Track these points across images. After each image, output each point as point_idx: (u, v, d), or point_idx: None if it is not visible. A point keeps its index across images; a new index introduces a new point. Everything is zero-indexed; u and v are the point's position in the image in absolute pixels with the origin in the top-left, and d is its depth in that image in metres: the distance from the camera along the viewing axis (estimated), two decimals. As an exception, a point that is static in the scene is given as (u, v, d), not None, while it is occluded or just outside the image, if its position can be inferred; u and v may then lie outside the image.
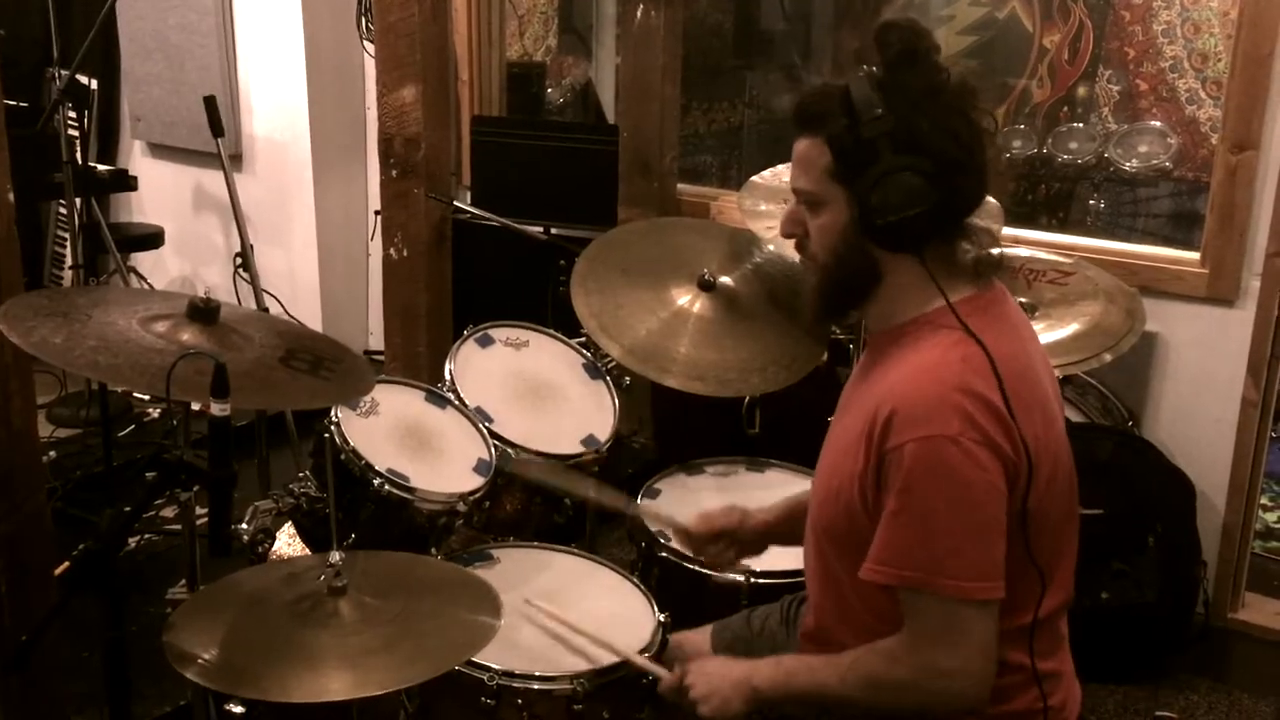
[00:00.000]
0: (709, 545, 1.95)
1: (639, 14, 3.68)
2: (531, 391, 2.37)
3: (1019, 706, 1.54)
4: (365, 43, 4.05)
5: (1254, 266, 2.88)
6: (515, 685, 1.74)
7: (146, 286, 4.43)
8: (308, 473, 2.13)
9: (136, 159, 4.74)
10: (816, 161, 1.51)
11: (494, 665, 1.73)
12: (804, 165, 1.53)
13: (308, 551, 2.20)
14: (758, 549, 1.99)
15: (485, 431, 2.20)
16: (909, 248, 1.50)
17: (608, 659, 1.80)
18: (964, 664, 1.45)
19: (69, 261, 4.18)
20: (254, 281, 3.61)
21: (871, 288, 1.54)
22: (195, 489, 1.59)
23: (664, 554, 2.12)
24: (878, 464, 1.46)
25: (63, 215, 4.46)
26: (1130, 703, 2.76)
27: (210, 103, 3.54)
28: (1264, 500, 3.68)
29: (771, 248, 2.46)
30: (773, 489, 2.39)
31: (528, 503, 2.28)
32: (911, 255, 1.50)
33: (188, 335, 1.66)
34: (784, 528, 1.92)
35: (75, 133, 3.80)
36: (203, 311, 1.70)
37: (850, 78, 1.46)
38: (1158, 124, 4.49)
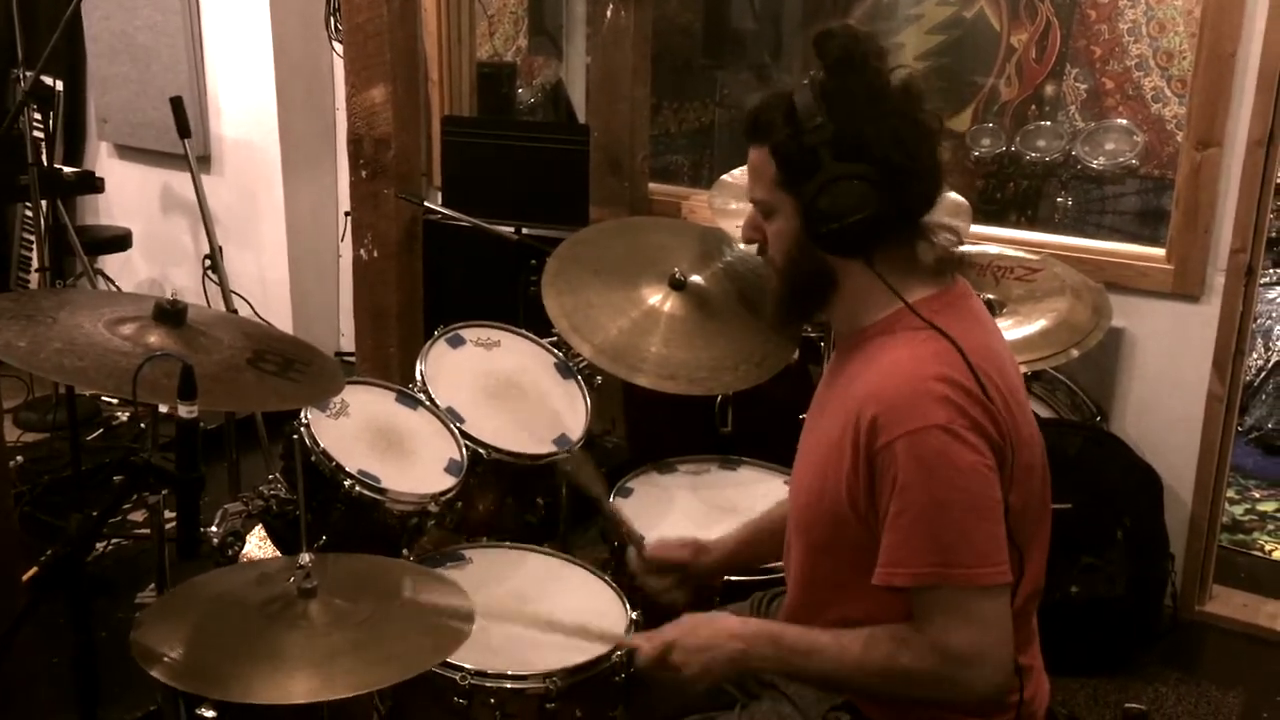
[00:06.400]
0: (652, 577, 1.91)
1: (609, 14, 3.68)
2: (503, 391, 2.37)
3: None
4: (334, 43, 4.03)
5: (1219, 262, 2.91)
6: (488, 685, 1.73)
7: (114, 289, 4.40)
8: (278, 475, 2.12)
9: (103, 161, 4.70)
10: (765, 171, 1.53)
11: (466, 665, 1.72)
12: (755, 175, 1.56)
13: (278, 554, 2.19)
14: (711, 580, 1.95)
15: (457, 432, 2.20)
16: (858, 253, 1.51)
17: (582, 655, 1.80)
18: (981, 651, 1.43)
19: (35, 264, 4.14)
20: (222, 283, 3.59)
21: (829, 292, 1.56)
22: (163, 492, 1.58)
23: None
24: (868, 467, 1.45)
25: (28, 218, 4.42)
26: (1100, 695, 2.78)
27: (177, 104, 3.52)
28: (1230, 493, 3.73)
29: (742, 246, 2.46)
30: (745, 487, 2.40)
31: (500, 503, 2.28)
32: (863, 260, 1.51)
33: (155, 337, 1.65)
34: (745, 555, 1.90)
35: (41, 134, 3.77)
36: (170, 313, 1.69)
37: (795, 86, 1.48)
38: (1124, 122, 4.53)
